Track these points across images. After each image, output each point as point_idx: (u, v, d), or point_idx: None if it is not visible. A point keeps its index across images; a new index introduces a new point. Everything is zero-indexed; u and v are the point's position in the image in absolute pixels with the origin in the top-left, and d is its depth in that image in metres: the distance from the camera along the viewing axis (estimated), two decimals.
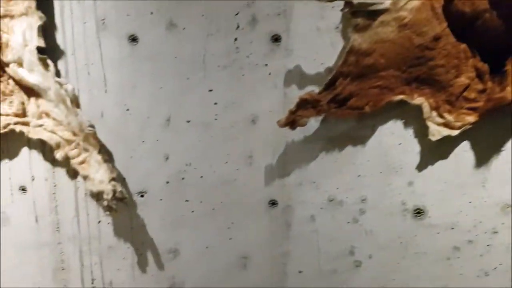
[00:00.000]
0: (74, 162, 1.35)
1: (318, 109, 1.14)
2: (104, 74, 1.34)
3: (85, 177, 1.33)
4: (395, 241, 1.30)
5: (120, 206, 1.32)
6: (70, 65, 1.35)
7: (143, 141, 1.36)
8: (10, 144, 1.43)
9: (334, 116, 1.18)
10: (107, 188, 1.31)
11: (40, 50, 1.30)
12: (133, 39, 1.30)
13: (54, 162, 1.42)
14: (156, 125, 1.35)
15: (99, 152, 1.29)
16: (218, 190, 1.35)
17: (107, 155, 1.32)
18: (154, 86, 1.32)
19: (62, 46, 1.34)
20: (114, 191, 1.28)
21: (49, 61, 1.30)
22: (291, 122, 1.16)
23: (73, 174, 1.42)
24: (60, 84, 1.27)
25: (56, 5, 1.31)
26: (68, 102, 1.27)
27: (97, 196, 1.33)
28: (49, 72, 1.31)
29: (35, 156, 1.43)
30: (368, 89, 1.16)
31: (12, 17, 1.32)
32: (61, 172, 1.42)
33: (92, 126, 1.29)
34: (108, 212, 1.31)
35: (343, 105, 1.16)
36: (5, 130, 1.39)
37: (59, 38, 1.34)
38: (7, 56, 1.31)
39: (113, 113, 1.35)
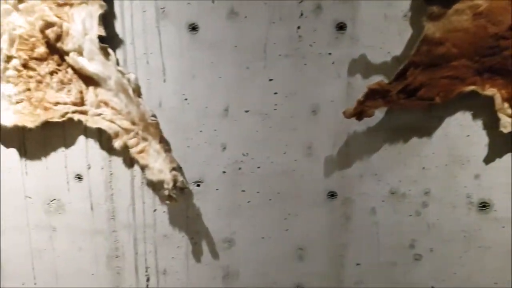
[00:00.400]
0: (133, 151, 1.36)
1: (387, 100, 1.13)
2: (163, 63, 1.34)
3: (145, 167, 1.34)
4: (458, 234, 1.28)
5: (180, 195, 1.32)
6: (128, 54, 1.35)
7: (200, 131, 1.36)
8: (67, 133, 1.45)
9: (402, 107, 1.16)
10: (168, 177, 1.31)
11: (100, 39, 1.29)
12: (193, 27, 1.29)
13: (110, 151, 1.43)
14: (214, 114, 1.34)
15: (160, 142, 1.29)
16: (276, 180, 1.35)
17: (166, 145, 1.32)
18: (213, 76, 1.32)
19: (121, 35, 1.35)
20: (175, 181, 1.29)
21: (110, 50, 1.29)
22: (359, 112, 1.14)
23: (129, 163, 1.43)
24: (122, 74, 1.27)
25: None
26: (130, 92, 1.28)
27: (157, 186, 1.34)
28: (109, 61, 1.31)
29: (92, 145, 1.44)
30: (439, 79, 1.13)
31: (71, 5, 1.33)
32: (117, 161, 1.44)
33: (154, 116, 1.30)
34: (168, 202, 1.31)
35: (413, 95, 1.14)
36: (63, 118, 1.40)
37: (118, 27, 1.35)
38: (67, 45, 1.32)
39: (171, 103, 1.36)
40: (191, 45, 1.33)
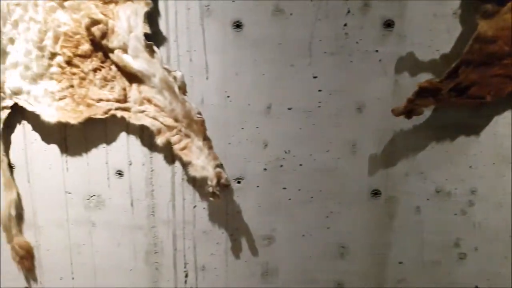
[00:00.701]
0: (176, 148, 1.37)
1: (438, 98, 1.12)
2: (206, 61, 1.35)
3: (188, 163, 1.35)
4: (504, 234, 1.28)
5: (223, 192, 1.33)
6: (172, 52, 1.37)
7: (242, 128, 1.37)
8: (109, 129, 1.47)
9: (453, 105, 1.15)
10: (211, 174, 1.32)
11: (145, 36, 1.31)
12: (238, 25, 1.30)
13: (152, 147, 1.45)
14: (257, 112, 1.35)
15: (204, 139, 1.30)
16: (318, 178, 1.36)
17: (210, 142, 1.33)
18: (257, 73, 1.33)
19: (164, 33, 1.36)
20: (219, 178, 1.30)
21: (155, 48, 1.30)
22: (409, 111, 1.14)
23: (170, 159, 1.44)
24: (168, 71, 1.28)
25: None
26: (176, 89, 1.29)
27: (199, 182, 1.35)
28: (154, 58, 1.32)
29: (133, 141, 1.46)
30: (490, 77, 1.13)
31: (116, 3, 1.34)
32: (158, 157, 1.45)
33: (199, 113, 1.30)
34: (211, 198, 1.32)
35: (464, 94, 1.13)
36: (106, 115, 1.42)
37: (162, 25, 1.35)
38: (113, 42, 1.34)
39: (214, 100, 1.37)
40: (234, 43, 1.34)
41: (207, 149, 1.36)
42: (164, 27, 1.39)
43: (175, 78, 1.32)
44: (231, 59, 1.37)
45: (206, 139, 1.36)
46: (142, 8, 1.34)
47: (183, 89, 1.34)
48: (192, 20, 1.37)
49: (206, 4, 1.35)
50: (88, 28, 1.36)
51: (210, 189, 1.34)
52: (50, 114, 1.46)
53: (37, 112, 1.47)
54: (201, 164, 1.38)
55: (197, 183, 1.46)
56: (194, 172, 1.38)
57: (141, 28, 1.35)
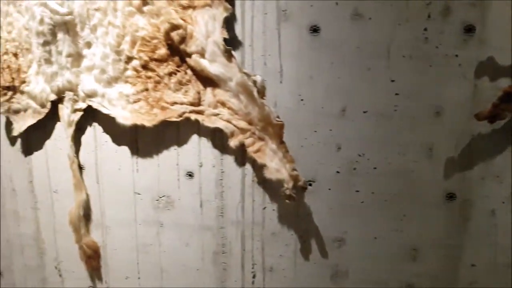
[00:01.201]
0: (249, 150, 1.41)
1: None
2: (280, 65, 1.39)
3: (262, 166, 1.38)
4: None
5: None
6: (246, 56, 1.41)
7: (315, 131, 1.40)
8: (181, 132, 1.50)
9: None
10: (286, 176, 1.35)
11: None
12: (315, 29, 1.33)
13: (223, 149, 1.49)
14: (330, 115, 1.38)
15: (281, 142, 1.33)
16: (392, 181, 1.38)
17: (286, 145, 1.36)
18: (332, 77, 1.36)
19: (240, 37, 1.38)
20: (296, 180, 1.32)
21: (233, 53, 1.33)
22: (493, 115, 1.15)
23: (241, 161, 1.49)
24: (248, 75, 1.32)
25: None
26: (255, 93, 1.32)
27: (271, 184, 1.38)
28: (232, 63, 1.35)
29: (205, 143, 1.50)
30: None
31: (194, 8, 1.37)
32: (229, 159, 1.49)
33: (278, 117, 1.33)
34: (288, 201, 1.35)
35: None
36: (181, 118, 1.45)
37: (237, 29, 1.38)
38: (191, 47, 1.38)
39: (287, 103, 1.41)
40: (310, 46, 1.37)
41: (282, 152, 1.39)
42: (239, 32, 1.42)
43: (254, 82, 1.35)
44: (306, 63, 1.40)
45: (282, 142, 1.39)
46: (221, 14, 1.38)
47: (262, 93, 1.37)
48: (268, 24, 1.40)
49: (283, 9, 1.38)
50: (167, 33, 1.40)
51: (287, 192, 1.37)
52: (125, 117, 1.51)
53: (112, 115, 1.52)
54: (275, 166, 1.42)
55: (267, 185, 1.49)
56: (269, 174, 1.41)
57: (219, 33, 1.38)
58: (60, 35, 1.47)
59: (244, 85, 1.38)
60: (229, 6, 1.37)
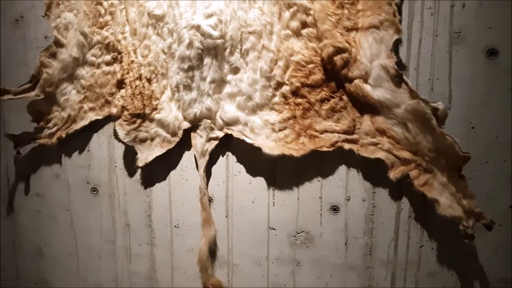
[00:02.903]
0: (416, 183, 1.30)
1: None
2: (449, 90, 1.29)
3: (435, 201, 1.26)
4: None
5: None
6: (411, 80, 1.32)
7: (486, 162, 1.31)
8: (326, 162, 1.41)
9: None
10: (463, 213, 1.24)
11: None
12: (492, 52, 1.24)
13: (375, 181, 1.38)
14: (505, 145, 1.29)
15: (461, 176, 1.23)
16: None
17: (465, 178, 1.26)
18: (508, 103, 1.25)
19: (404, 60, 1.29)
20: (480, 218, 1.21)
21: (405, 78, 1.24)
22: None
23: (396, 195, 1.38)
24: (426, 102, 1.22)
25: (404, 17, 1.26)
26: (434, 121, 1.21)
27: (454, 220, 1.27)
28: (401, 88, 1.26)
29: (354, 175, 1.40)
30: None
31: (357, 30, 1.28)
32: (382, 192, 1.39)
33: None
34: (466, 241, 1.24)
35: None
36: (333, 147, 1.36)
37: (402, 52, 1.29)
38: (353, 72, 1.30)
39: (456, 131, 1.33)
40: (486, 71, 1.28)
41: (459, 186, 1.28)
42: (403, 55, 1.34)
43: (435, 109, 1.25)
44: (480, 88, 1.31)
45: (462, 176, 1.28)
46: (391, 36, 1.29)
47: (441, 121, 1.27)
48: (438, 47, 1.32)
49: (457, 31, 1.29)
50: (330, 57, 1.31)
51: (469, 231, 1.26)
52: (270, 147, 1.42)
53: (256, 144, 1.43)
54: (446, 202, 1.31)
55: (426, 221, 1.38)
56: (442, 211, 1.31)
57: (387, 56, 1.29)
58: (207, 60, 1.38)
59: (417, 112, 1.28)
60: (401, 28, 1.28)
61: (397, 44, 1.34)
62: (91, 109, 1.57)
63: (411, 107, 1.29)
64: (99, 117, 1.57)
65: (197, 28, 1.34)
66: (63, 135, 1.58)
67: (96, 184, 1.65)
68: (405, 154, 1.35)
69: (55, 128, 1.59)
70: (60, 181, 1.68)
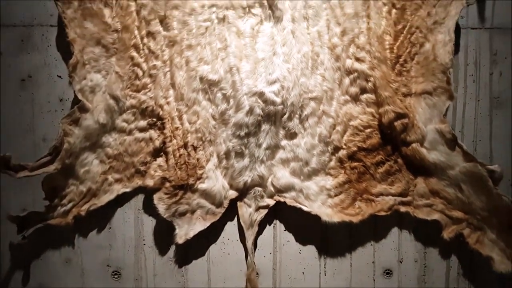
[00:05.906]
0: (470, 242, 1.39)
1: None
2: (490, 150, 1.42)
3: (489, 258, 1.36)
4: None
5: None
6: None
7: None
8: (379, 225, 1.45)
9: None
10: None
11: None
12: None
13: (426, 242, 1.44)
14: None
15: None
16: None
17: None
18: None
19: (450, 123, 1.40)
20: None
21: (460, 142, 1.35)
22: None
23: (446, 253, 1.45)
24: (483, 164, 1.32)
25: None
26: (490, 183, 1.32)
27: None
28: (455, 151, 1.36)
29: (406, 237, 1.45)
30: None
31: (411, 95, 1.37)
32: (433, 252, 1.46)
33: None
34: None
35: None
36: (390, 211, 1.40)
37: (448, 115, 1.41)
38: (411, 136, 1.36)
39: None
40: None
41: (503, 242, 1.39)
42: (449, 118, 1.44)
43: (492, 172, 1.35)
44: None
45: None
46: (443, 102, 1.39)
47: (496, 183, 1.37)
48: (480, 110, 1.44)
49: (495, 96, 1.44)
50: (390, 122, 1.36)
51: None
52: (328, 214, 1.41)
53: (314, 212, 1.40)
54: (498, 257, 1.40)
55: (473, 277, 1.47)
56: (496, 267, 1.39)
57: (438, 121, 1.38)
58: (265, 126, 1.34)
59: (473, 174, 1.37)
60: (454, 95, 1.38)
61: None
62: (118, 180, 1.40)
63: (466, 169, 1.39)
64: (128, 189, 1.41)
65: (260, 94, 1.30)
66: (83, 213, 1.38)
67: (118, 266, 1.45)
68: (457, 214, 1.43)
69: (70, 205, 1.38)
70: (71, 266, 1.44)
